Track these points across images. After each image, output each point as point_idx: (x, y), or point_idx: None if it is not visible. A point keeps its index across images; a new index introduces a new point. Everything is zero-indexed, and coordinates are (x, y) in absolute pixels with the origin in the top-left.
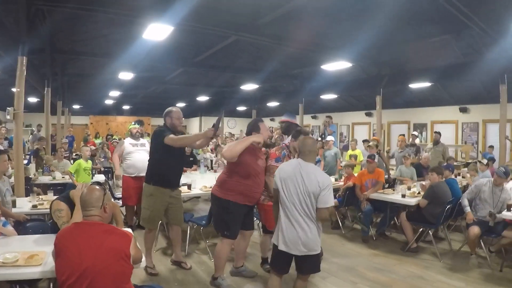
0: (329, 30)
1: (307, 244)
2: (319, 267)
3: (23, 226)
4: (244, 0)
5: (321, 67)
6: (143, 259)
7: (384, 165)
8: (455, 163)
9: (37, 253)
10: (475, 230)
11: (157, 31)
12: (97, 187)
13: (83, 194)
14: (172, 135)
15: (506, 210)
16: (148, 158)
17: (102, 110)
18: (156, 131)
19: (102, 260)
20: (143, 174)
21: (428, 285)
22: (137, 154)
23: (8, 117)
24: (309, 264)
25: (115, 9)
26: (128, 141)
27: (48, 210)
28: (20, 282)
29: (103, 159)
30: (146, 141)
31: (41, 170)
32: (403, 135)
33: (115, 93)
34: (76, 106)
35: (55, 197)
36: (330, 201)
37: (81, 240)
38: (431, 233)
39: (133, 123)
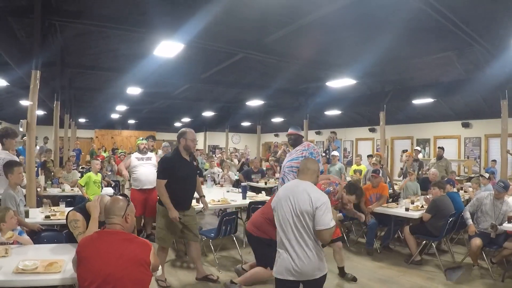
0: (335, 48)
1: (303, 271)
2: None
3: (38, 235)
4: (253, 18)
5: (326, 83)
6: (159, 267)
7: (388, 179)
8: (457, 178)
9: (56, 261)
10: (477, 242)
11: (168, 48)
12: (121, 197)
13: (107, 202)
14: (162, 181)
15: (507, 222)
16: (153, 171)
17: (107, 124)
18: (161, 159)
19: (124, 267)
20: (147, 186)
21: None
22: (142, 168)
23: (21, 129)
24: (312, 286)
25: (128, 26)
26: (134, 156)
27: (60, 221)
28: None
29: (109, 173)
30: (152, 155)
31: (50, 182)
32: (406, 150)
33: (121, 108)
34: (81, 120)
35: (67, 208)
36: (329, 221)
37: (102, 247)
38: (434, 246)
39: (141, 138)
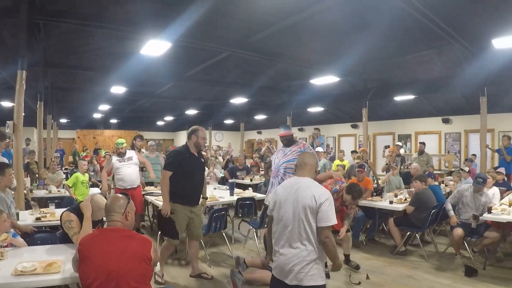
0: (319, 46)
1: (296, 271)
2: None
3: (31, 237)
4: (240, 17)
5: (309, 81)
6: (158, 263)
7: (372, 174)
8: (438, 172)
9: (54, 261)
10: (459, 231)
11: (155, 47)
12: (121, 195)
13: (108, 201)
14: (168, 173)
15: (487, 212)
16: (136, 170)
17: (89, 124)
18: (170, 152)
19: (126, 264)
20: (131, 186)
21: (418, 283)
22: (125, 169)
23: (8, 130)
24: None
25: (116, 26)
26: (115, 158)
27: (51, 222)
28: None
29: (92, 173)
30: (133, 153)
31: (36, 184)
32: (389, 146)
33: (104, 107)
34: (63, 120)
35: (57, 209)
36: (332, 217)
37: (104, 245)
38: (418, 237)
39: (119, 142)
